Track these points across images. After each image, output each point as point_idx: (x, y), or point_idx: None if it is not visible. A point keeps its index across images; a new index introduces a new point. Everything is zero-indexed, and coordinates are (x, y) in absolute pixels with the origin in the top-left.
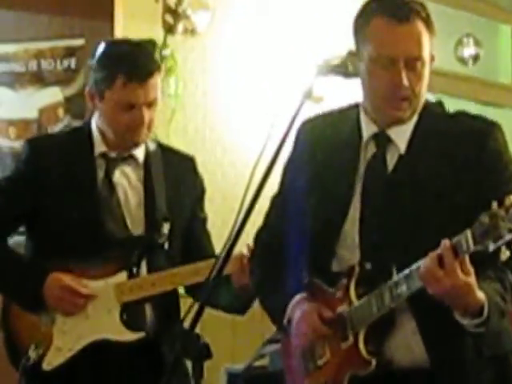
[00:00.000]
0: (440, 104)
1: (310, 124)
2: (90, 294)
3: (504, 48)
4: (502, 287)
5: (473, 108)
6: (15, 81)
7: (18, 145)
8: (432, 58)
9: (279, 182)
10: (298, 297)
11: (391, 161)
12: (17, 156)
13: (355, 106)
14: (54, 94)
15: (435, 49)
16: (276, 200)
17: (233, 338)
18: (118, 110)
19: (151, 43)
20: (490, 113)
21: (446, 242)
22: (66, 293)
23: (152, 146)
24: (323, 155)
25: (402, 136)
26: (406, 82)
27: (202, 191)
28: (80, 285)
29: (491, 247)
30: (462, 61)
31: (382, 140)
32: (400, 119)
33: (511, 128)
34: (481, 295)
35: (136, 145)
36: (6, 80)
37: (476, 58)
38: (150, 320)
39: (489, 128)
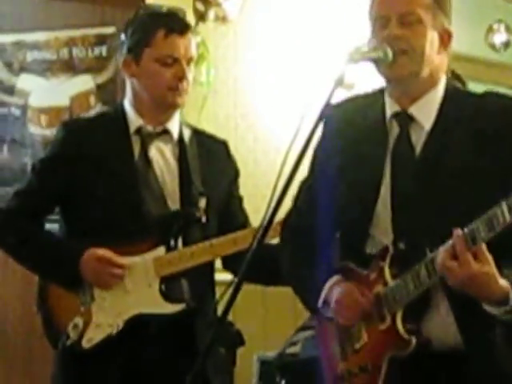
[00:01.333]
0: (458, 76)
1: (337, 109)
2: (126, 264)
3: None
4: None
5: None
6: (46, 69)
7: (50, 133)
8: (447, 33)
9: (309, 167)
10: (333, 279)
11: (418, 140)
12: (51, 139)
13: (381, 91)
14: (85, 82)
15: (465, 36)
16: (305, 185)
17: (265, 326)
18: (158, 67)
19: (183, 11)
20: None
21: (457, 232)
22: (102, 264)
23: (186, 129)
24: (352, 139)
25: (426, 114)
26: (396, 31)
27: (237, 172)
28: (115, 256)
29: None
30: (493, 47)
31: (404, 119)
32: (399, 76)
33: None
34: (504, 283)
35: (176, 107)
36: (38, 68)
37: (507, 44)
38: (188, 293)
39: None
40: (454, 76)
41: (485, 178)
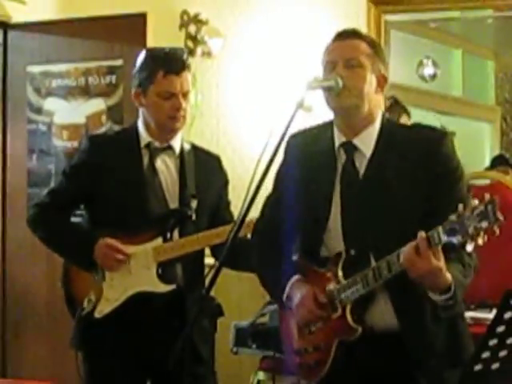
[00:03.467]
0: (397, 101)
1: (296, 137)
2: (129, 252)
3: (456, 68)
4: (462, 267)
5: (431, 117)
6: (67, 93)
7: (70, 145)
8: (384, 78)
9: (273, 184)
10: (294, 278)
11: (361, 165)
12: (80, 149)
13: (329, 123)
14: (98, 104)
15: (401, 69)
16: (270, 198)
17: (240, 300)
18: (160, 100)
19: (181, 49)
20: (445, 120)
21: (421, 234)
22: (110, 250)
23: (186, 144)
24: (308, 162)
25: (366, 144)
26: (341, 72)
27: (226, 182)
28: (121, 245)
29: (458, 240)
30: (423, 78)
31: (349, 148)
32: (343, 106)
33: (462, 132)
34: (448, 275)
35: (175, 130)
36: (61, 93)
37: (434, 76)
38: (180, 275)
39: (441, 136)
40: (395, 102)
41: (415, 195)
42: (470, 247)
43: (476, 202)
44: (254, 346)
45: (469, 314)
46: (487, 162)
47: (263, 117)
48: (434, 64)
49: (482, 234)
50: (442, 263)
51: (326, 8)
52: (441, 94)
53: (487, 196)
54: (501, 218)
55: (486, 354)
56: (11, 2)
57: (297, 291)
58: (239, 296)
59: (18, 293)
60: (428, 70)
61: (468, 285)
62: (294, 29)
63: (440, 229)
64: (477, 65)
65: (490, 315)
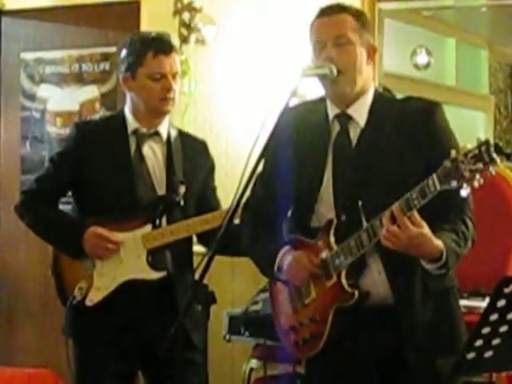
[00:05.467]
0: (388, 90)
1: (288, 112)
2: (119, 241)
3: (449, 57)
4: (456, 236)
5: None
6: (61, 80)
7: (63, 132)
8: (373, 48)
9: (264, 161)
10: (284, 249)
11: (354, 134)
12: (66, 137)
13: (321, 99)
14: (92, 91)
15: (395, 57)
16: (261, 176)
17: (233, 288)
18: (150, 82)
19: (167, 33)
20: None
21: (395, 204)
22: (99, 240)
23: (173, 130)
24: (301, 135)
25: (360, 113)
26: (331, 54)
27: (212, 167)
28: (111, 234)
29: (454, 185)
30: (417, 67)
31: (344, 118)
32: (340, 93)
33: (454, 121)
34: (439, 243)
35: (165, 113)
36: (54, 80)
37: (428, 64)
38: (170, 262)
39: (433, 106)
40: (385, 90)
41: (406, 161)
42: (465, 192)
43: (469, 145)
44: (246, 333)
45: (462, 303)
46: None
47: (256, 104)
48: (428, 53)
49: (477, 176)
50: (424, 229)
51: None
52: (434, 82)
53: (479, 139)
54: (496, 158)
55: (479, 342)
56: None
57: (288, 256)
58: (232, 283)
59: (11, 280)
60: (422, 59)
61: (463, 254)
62: (287, 17)
63: (435, 176)
64: (470, 54)
65: (484, 304)
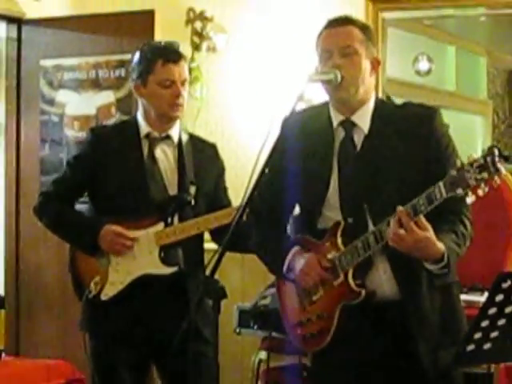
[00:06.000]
0: (388, 98)
1: (293, 117)
2: (134, 237)
3: (450, 63)
4: (456, 236)
5: None
6: (79, 86)
7: (81, 135)
8: (377, 61)
9: (269, 165)
10: (293, 249)
11: (359, 140)
12: (82, 141)
13: (324, 104)
14: (108, 96)
15: (398, 64)
16: (265, 178)
17: (243, 283)
18: (160, 89)
19: (176, 42)
20: None
21: (399, 208)
22: (116, 237)
23: (184, 134)
24: (306, 140)
25: (363, 120)
26: (338, 61)
27: (223, 169)
28: (126, 231)
29: (459, 192)
30: (418, 73)
31: (349, 125)
32: (343, 97)
33: (455, 125)
34: (440, 245)
35: (175, 118)
36: (72, 85)
37: (429, 71)
38: (181, 258)
39: (432, 112)
40: (387, 98)
41: (408, 165)
42: (469, 200)
43: (474, 155)
44: (255, 326)
45: (462, 297)
46: (479, 154)
47: (265, 109)
48: (429, 60)
49: (482, 185)
50: (429, 233)
51: (325, 5)
52: (435, 88)
53: (485, 148)
54: (501, 168)
55: (478, 335)
56: None
57: (299, 258)
58: (242, 279)
59: (31, 276)
60: (423, 66)
61: (462, 253)
62: (295, 25)
63: (441, 184)
64: (470, 60)
65: (482, 298)
